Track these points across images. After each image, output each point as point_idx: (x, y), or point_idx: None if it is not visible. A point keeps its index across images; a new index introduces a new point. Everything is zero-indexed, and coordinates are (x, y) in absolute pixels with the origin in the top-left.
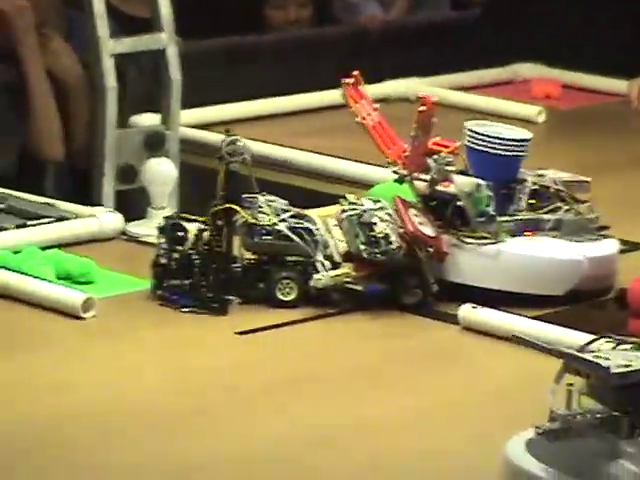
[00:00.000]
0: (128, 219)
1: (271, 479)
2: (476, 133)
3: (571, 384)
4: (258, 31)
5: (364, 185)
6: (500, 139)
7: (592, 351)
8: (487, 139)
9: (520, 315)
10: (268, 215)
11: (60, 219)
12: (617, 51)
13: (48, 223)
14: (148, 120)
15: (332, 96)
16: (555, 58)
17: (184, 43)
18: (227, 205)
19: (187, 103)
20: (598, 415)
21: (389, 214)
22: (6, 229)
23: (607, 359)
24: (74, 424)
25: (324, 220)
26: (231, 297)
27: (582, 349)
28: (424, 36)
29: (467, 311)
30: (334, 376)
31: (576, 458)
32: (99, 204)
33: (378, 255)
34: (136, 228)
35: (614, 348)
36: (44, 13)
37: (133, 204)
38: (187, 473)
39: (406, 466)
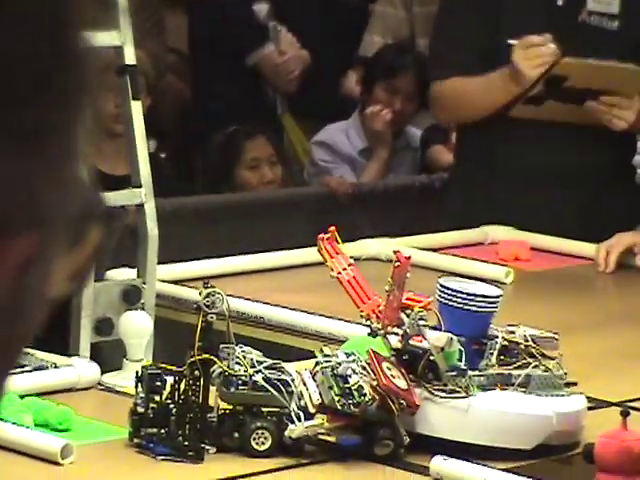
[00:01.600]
0: (104, 370)
1: None
2: (448, 289)
3: None
4: (232, 191)
5: (339, 341)
6: (471, 295)
7: None
8: (458, 295)
9: (490, 467)
10: (244, 366)
11: (38, 368)
12: (585, 215)
13: (27, 372)
14: (124, 274)
15: (306, 254)
16: (524, 221)
17: (159, 201)
18: (204, 356)
19: (162, 259)
20: None
21: (363, 367)
22: None
23: None
24: None
25: (299, 372)
26: (207, 446)
27: None
28: (393, 199)
29: (438, 463)
30: None
31: None
32: (76, 354)
33: (352, 407)
34: (112, 379)
35: None
36: None
37: (109, 355)
38: None
39: None
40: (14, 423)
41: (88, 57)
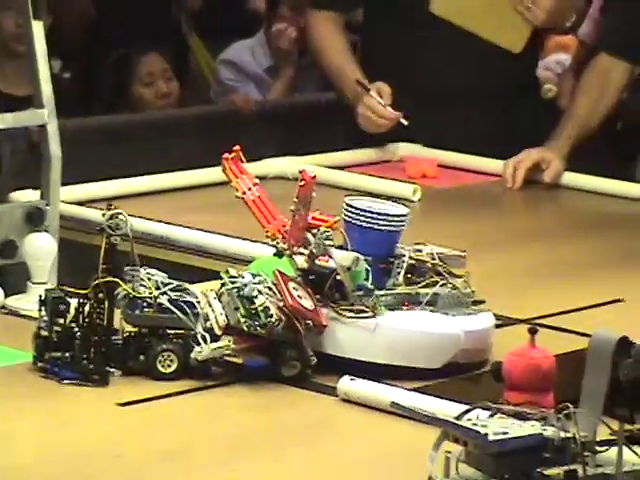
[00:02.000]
0: (8, 294)
1: None
2: (354, 208)
3: (449, 452)
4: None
5: (244, 261)
6: (377, 214)
7: (470, 419)
8: (364, 214)
9: (398, 387)
10: (149, 288)
11: None
12: (492, 131)
13: None
14: (28, 196)
15: (210, 174)
16: (431, 138)
17: (62, 121)
18: (108, 278)
19: (65, 180)
20: None
21: (269, 287)
22: None
23: (484, 426)
24: None
25: (205, 293)
26: (112, 369)
27: (460, 417)
28: (299, 117)
29: (345, 383)
30: (212, 447)
31: None
32: None
33: (258, 328)
34: (16, 302)
35: (491, 417)
36: None
37: (13, 279)
38: None
39: None
40: None
41: None
